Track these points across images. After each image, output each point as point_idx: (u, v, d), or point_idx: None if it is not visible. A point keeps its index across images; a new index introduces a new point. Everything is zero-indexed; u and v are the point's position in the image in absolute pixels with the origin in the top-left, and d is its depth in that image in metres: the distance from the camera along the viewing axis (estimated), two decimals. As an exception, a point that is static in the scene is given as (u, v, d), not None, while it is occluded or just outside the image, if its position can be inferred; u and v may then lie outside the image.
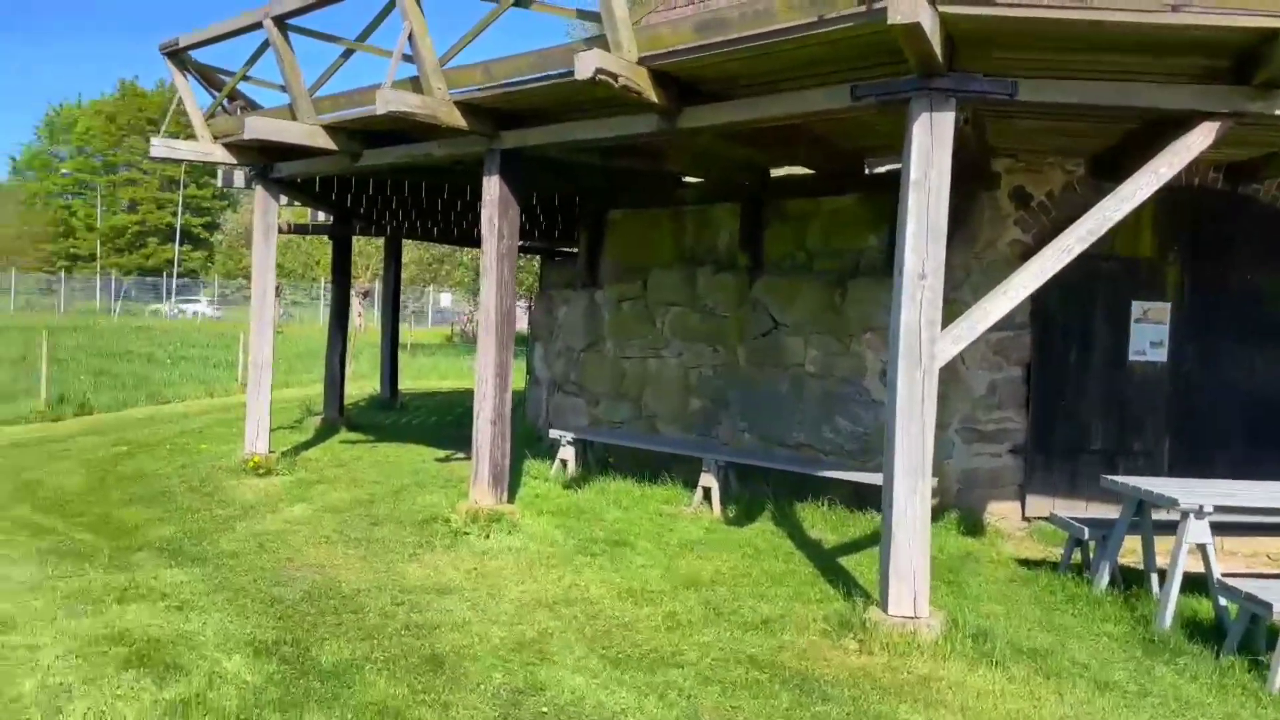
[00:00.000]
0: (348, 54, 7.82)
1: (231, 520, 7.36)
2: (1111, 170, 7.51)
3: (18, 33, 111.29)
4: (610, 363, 10.56)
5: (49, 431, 12.07)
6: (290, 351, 21.50)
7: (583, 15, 6.36)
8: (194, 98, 9.14)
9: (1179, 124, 5.22)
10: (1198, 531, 5.30)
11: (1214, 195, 7.89)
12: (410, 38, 6.55)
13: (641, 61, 5.63)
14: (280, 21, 7.69)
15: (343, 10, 8.30)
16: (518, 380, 8.44)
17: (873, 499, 7.50)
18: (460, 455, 10.12)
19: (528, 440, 10.43)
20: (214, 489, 8.46)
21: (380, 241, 17.04)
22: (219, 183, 11.76)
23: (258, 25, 7.86)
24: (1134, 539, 6.15)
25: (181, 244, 60.48)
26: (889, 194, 8.27)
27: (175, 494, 8.26)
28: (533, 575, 6.12)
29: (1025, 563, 6.83)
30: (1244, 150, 7.21)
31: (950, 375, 5.20)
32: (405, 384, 15.84)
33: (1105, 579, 6.04)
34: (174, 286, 52.20)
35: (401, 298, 15.89)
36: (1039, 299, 6.97)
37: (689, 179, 10.15)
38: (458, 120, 6.79)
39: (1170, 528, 6.27)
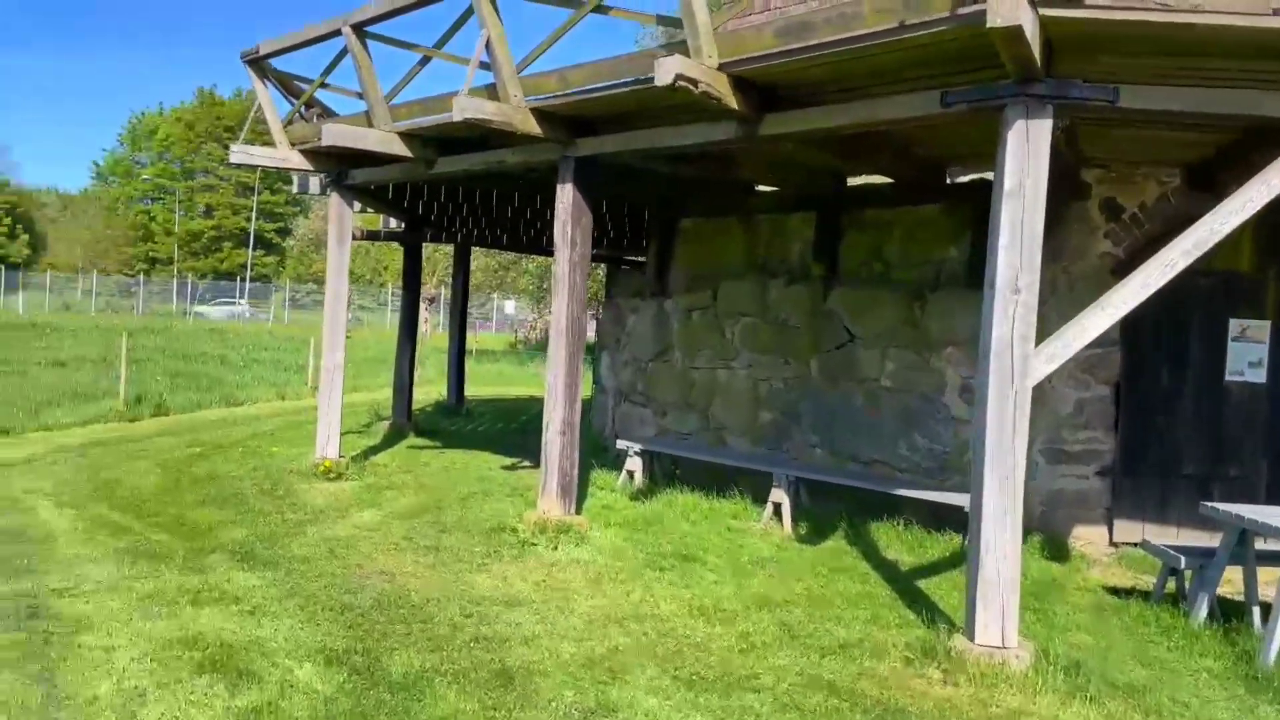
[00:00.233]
0: (424, 61, 7.84)
1: (302, 524, 7.39)
2: (1207, 182, 7.18)
3: (108, 36, 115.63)
4: (679, 373, 10.44)
5: (127, 431, 12.35)
6: (358, 356, 21.76)
7: (662, 21, 6.27)
8: (273, 104, 9.27)
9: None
10: (1308, 565, 4.98)
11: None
12: (488, 44, 6.52)
13: (722, 67, 5.51)
14: (359, 29, 7.74)
15: (415, 18, 8.31)
16: (584, 389, 8.36)
17: (951, 519, 7.26)
18: (526, 463, 10.09)
19: (593, 450, 10.35)
20: (285, 492, 8.54)
21: (446, 249, 17.12)
22: (294, 189, 11.89)
23: (337, 33, 7.92)
24: (1233, 569, 5.81)
25: (255, 249, 61.96)
26: (971, 204, 8.11)
27: (247, 496, 8.34)
28: (602, 589, 6.02)
29: (1114, 590, 6.52)
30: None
31: (1035, 393, 4.95)
32: (470, 390, 15.91)
33: (1204, 611, 5.71)
34: (247, 290, 53.45)
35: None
36: (1129, 315, 6.64)
37: (761, 187, 9.99)
38: (533, 127, 6.74)
39: (1274, 558, 5.96)
